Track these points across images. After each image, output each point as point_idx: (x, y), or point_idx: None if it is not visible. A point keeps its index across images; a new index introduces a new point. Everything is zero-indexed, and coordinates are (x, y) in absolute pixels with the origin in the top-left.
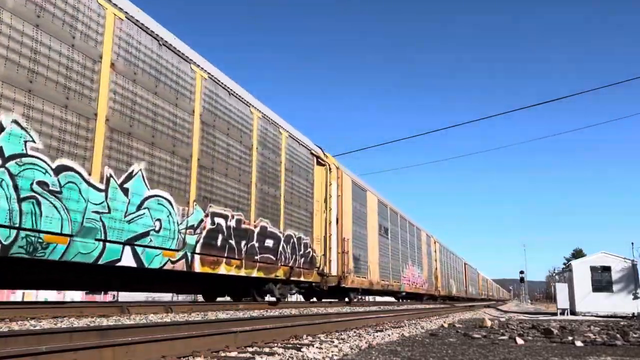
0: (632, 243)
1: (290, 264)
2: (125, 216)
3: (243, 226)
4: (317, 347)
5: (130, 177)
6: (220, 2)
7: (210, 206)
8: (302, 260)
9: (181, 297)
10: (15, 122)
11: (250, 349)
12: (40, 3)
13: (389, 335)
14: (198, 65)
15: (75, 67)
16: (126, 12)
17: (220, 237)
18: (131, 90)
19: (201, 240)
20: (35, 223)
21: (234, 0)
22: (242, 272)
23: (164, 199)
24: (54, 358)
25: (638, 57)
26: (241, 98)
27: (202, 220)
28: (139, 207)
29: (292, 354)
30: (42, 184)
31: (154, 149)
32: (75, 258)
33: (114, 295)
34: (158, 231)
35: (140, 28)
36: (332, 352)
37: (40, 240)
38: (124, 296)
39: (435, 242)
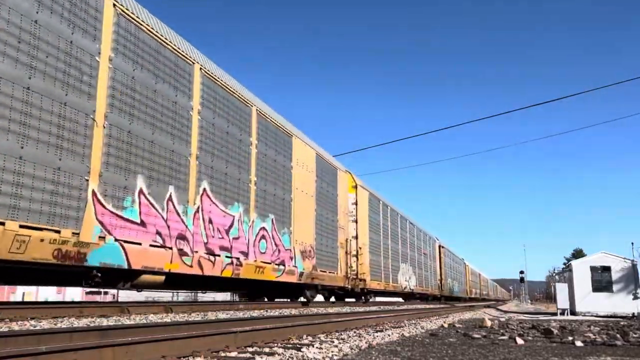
0: (632, 243)
1: None
2: None
3: None
4: (317, 347)
5: None
6: (224, 2)
7: None
8: None
9: (181, 297)
10: None
11: (250, 349)
12: None
13: (389, 335)
14: None
15: None
16: None
17: None
18: None
19: None
20: None
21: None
22: None
23: None
24: (54, 358)
25: (638, 57)
26: None
27: None
28: None
29: (292, 354)
30: None
31: None
32: None
33: (113, 295)
34: None
35: None
36: (332, 352)
37: None
38: (124, 296)
39: (358, 187)
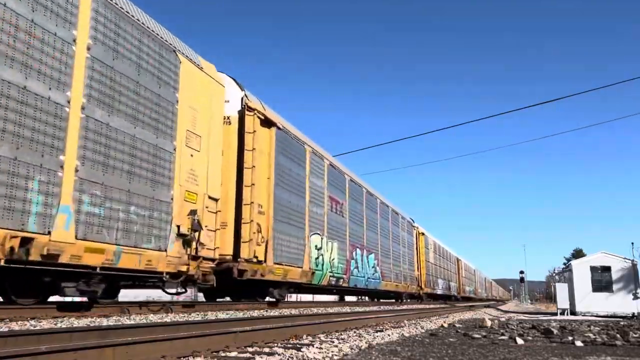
0: (632, 243)
1: None
2: None
3: None
4: (317, 347)
5: None
6: (220, 2)
7: None
8: None
9: (182, 297)
10: None
11: (250, 349)
12: None
13: (389, 335)
14: None
15: None
16: None
17: None
18: None
19: None
20: None
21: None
22: None
23: None
24: (54, 358)
25: (637, 57)
26: None
27: None
28: None
29: (292, 354)
30: None
31: None
32: None
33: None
34: None
35: None
36: (332, 352)
37: None
38: (124, 296)
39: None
